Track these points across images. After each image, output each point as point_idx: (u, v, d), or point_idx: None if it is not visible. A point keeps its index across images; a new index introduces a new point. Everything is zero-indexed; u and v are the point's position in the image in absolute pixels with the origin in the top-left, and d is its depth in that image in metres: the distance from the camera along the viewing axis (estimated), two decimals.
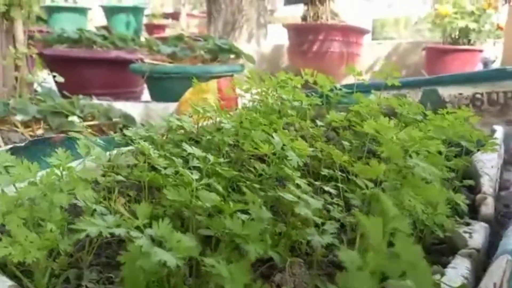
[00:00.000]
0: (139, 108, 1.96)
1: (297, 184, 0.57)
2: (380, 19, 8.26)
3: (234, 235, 0.41)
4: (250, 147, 0.84)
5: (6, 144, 1.23)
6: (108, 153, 0.98)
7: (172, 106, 1.90)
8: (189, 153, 0.84)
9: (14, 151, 0.87)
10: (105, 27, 5.46)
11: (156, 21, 7.61)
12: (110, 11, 6.34)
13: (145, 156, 0.79)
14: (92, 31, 2.46)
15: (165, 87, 2.04)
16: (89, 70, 2.33)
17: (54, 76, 1.62)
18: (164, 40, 2.77)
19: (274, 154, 0.73)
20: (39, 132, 1.32)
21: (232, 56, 2.11)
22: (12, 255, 0.42)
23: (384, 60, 5.79)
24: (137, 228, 0.43)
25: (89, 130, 1.45)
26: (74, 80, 2.18)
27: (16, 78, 1.69)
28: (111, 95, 2.38)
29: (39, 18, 1.80)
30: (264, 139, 0.81)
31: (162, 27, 7.51)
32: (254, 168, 0.74)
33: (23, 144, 0.86)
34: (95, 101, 1.83)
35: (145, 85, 2.83)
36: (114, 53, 2.33)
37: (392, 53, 5.71)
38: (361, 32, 5.23)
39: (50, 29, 2.61)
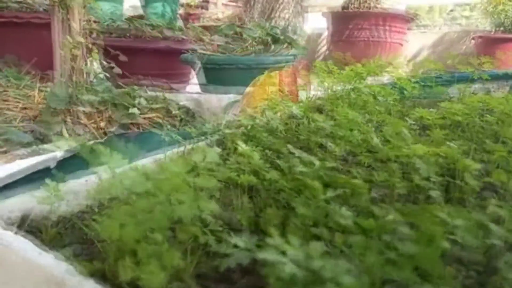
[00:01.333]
0: (192, 100, 1.92)
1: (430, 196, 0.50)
2: (413, 6, 8.00)
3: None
4: (344, 146, 0.77)
5: (70, 135, 1.21)
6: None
7: (225, 98, 1.84)
8: (282, 154, 0.77)
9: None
10: (140, 17, 5.47)
11: (191, 10, 7.60)
12: (146, 0, 6.40)
13: (235, 155, 0.73)
14: (141, 20, 2.43)
15: (218, 78, 1.98)
16: (139, 60, 2.30)
17: (112, 68, 1.59)
18: (204, 29, 2.71)
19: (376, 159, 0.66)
20: (102, 124, 1.29)
21: (284, 45, 2.03)
22: (141, 279, 0.37)
23: (428, 49, 5.55)
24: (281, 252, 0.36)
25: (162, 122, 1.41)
26: (123, 70, 2.16)
27: (73, 68, 1.67)
28: (159, 85, 2.35)
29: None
30: (361, 139, 0.74)
31: (196, 16, 7.49)
32: (357, 172, 0.67)
33: (103, 140, 0.82)
34: (150, 92, 1.80)
35: (192, 76, 2.79)
36: (163, 43, 2.29)
37: (437, 42, 5.46)
38: (405, 20, 5.02)
39: (97, 19, 2.59)
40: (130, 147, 0.91)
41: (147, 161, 0.91)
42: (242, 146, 0.64)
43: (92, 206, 0.77)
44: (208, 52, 1.95)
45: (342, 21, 4.91)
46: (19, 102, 1.51)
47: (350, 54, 4.91)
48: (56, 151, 0.81)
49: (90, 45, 1.63)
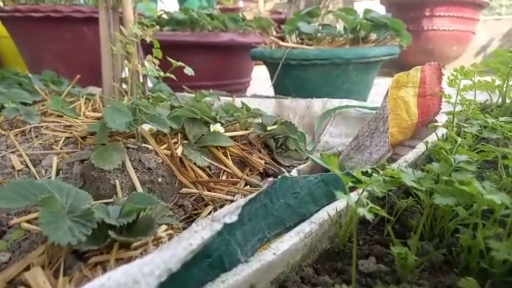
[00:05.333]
0: (270, 105, 1.50)
1: None
2: None
3: None
4: None
5: (136, 170, 0.81)
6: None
7: (318, 103, 1.41)
8: None
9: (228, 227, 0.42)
10: None
11: (230, 4, 7.24)
12: None
13: None
14: (199, 11, 2.03)
15: (303, 77, 1.55)
16: (196, 57, 1.91)
17: (183, 68, 1.19)
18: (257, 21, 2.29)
19: None
20: (179, 150, 0.88)
21: (387, 33, 1.57)
22: None
23: (501, 39, 4.91)
24: None
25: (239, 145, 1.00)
26: (177, 70, 1.78)
27: (127, 69, 1.29)
28: (219, 87, 1.96)
29: None
30: None
31: (236, 10, 7.12)
32: None
33: (236, 218, 0.41)
34: (224, 98, 1.40)
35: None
36: (226, 36, 1.88)
37: None
38: (477, 6, 4.42)
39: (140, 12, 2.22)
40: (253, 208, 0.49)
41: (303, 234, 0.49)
42: None
43: None
44: (293, 45, 1.52)
45: (404, 9, 4.36)
46: (61, 116, 1.14)
47: (413, 45, 4.35)
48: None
49: (148, 39, 1.24)
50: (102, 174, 0.79)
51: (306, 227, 0.51)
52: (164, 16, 2.05)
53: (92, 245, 0.43)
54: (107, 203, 0.74)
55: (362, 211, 0.38)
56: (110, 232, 0.43)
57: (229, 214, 0.40)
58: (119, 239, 0.44)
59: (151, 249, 0.45)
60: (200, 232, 0.37)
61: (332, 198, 0.61)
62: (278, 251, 0.47)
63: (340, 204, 0.57)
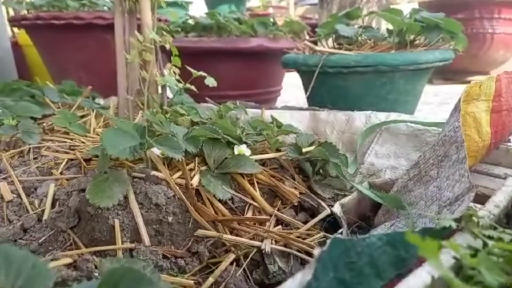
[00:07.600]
0: (304, 118, 1.32)
1: None
2: None
3: None
4: None
5: (142, 206, 0.66)
6: None
7: (360, 117, 1.22)
8: None
9: None
10: None
11: (259, 11, 7.15)
12: (212, 3, 6.26)
13: None
14: (226, 15, 1.89)
15: (341, 86, 1.37)
16: (223, 64, 1.77)
17: (204, 78, 1.04)
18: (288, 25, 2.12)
19: None
20: (195, 180, 0.72)
21: (440, 36, 1.36)
22: None
23: None
24: None
25: (269, 173, 0.83)
26: (201, 79, 1.63)
27: (143, 80, 1.15)
28: (247, 97, 1.80)
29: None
30: None
31: (266, 16, 7.03)
32: None
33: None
34: (252, 110, 1.23)
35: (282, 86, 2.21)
36: (255, 42, 1.73)
37: None
38: None
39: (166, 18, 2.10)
40: None
41: None
42: None
43: None
44: (330, 50, 1.34)
45: (445, 12, 4.05)
46: (67, 133, 1.01)
47: None
48: None
49: (168, 46, 1.10)
50: (100, 211, 0.64)
51: None
52: (190, 21, 1.92)
53: None
54: (100, 253, 0.59)
55: None
56: None
57: None
58: None
59: None
60: None
61: (401, 266, 0.43)
62: None
63: (417, 282, 0.39)
